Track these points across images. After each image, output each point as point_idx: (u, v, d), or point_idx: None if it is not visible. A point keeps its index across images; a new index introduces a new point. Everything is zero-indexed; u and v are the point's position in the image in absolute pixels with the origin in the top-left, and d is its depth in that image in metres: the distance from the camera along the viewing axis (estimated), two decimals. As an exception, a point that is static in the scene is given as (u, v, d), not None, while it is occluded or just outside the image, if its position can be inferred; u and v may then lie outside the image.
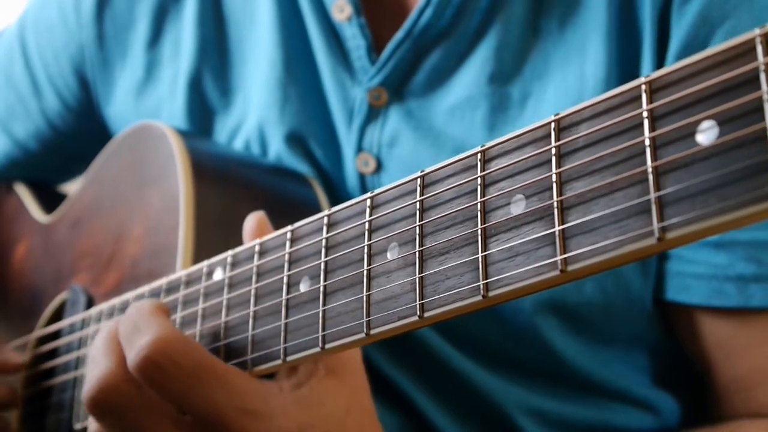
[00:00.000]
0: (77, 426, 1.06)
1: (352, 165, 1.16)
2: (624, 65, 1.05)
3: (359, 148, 1.15)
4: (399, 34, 1.12)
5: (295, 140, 1.19)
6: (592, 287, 1.08)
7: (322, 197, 1.14)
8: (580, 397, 1.15)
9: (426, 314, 0.68)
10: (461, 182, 0.68)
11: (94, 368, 0.85)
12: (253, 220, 0.90)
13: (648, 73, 1.02)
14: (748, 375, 1.09)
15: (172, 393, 0.80)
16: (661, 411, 1.17)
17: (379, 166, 1.15)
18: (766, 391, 1.08)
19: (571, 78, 1.07)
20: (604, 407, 1.16)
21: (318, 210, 1.11)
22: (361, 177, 1.15)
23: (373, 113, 1.15)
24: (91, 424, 0.88)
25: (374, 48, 1.16)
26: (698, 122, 0.54)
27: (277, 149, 1.19)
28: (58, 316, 1.24)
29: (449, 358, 1.13)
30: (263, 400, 0.81)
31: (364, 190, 1.14)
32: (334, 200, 1.15)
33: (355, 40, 1.16)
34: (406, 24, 1.12)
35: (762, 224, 1.01)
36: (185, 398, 0.80)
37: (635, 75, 1.04)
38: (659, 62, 1.03)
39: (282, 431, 0.81)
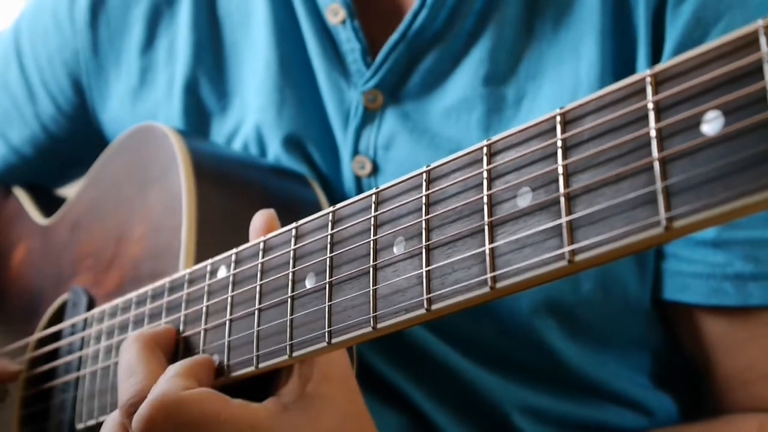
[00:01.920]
0: (79, 426, 1.06)
1: (348, 168, 1.17)
2: (618, 65, 1.06)
3: (355, 151, 1.16)
4: (394, 37, 1.13)
5: (293, 143, 1.19)
6: (590, 288, 1.09)
7: (322, 197, 1.15)
8: (576, 396, 1.16)
9: (433, 307, 0.69)
10: (467, 176, 0.69)
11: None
12: (261, 217, 0.89)
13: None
14: (747, 371, 1.10)
15: None
16: (655, 413, 1.18)
17: (375, 169, 1.15)
18: (763, 387, 1.09)
19: (566, 78, 1.08)
20: (600, 407, 1.16)
21: (318, 210, 1.11)
22: (358, 180, 1.16)
23: (369, 116, 1.16)
24: None
25: (369, 51, 1.16)
26: (703, 113, 0.55)
27: (276, 152, 1.20)
28: (58, 317, 1.24)
29: (446, 358, 1.14)
30: (270, 427, 0.81)
31: (360, 193, 1.15)
32: (333, 203, 1.15)
33: (349, 43, 1.16)
34: (401, 26, 1.13)
35: (760, 222, 1.03)
36: None
37: (630, 75, 1.05)
38: (654, 62, 1.04)
39: None
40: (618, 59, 1.06)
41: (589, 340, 1.13)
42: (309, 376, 0.84)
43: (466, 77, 1.12)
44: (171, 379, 0.82)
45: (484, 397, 1.14)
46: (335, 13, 1.17)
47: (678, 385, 1.19)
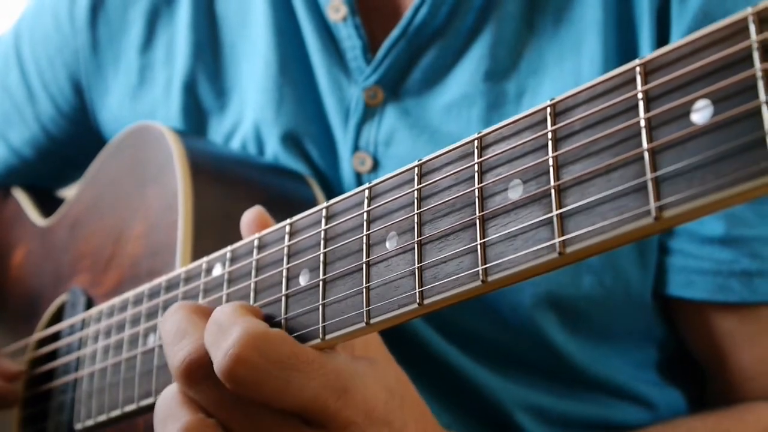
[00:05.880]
0: (78, 426, 1.06)
1: (348, 164, 1.16)
2: (622, 61, 1.05)
3: (356, 147, 1.16)
4: (394, 33, 1.13)
5: (291, 140, 1.19)
6: (591, 282, 1.09)
7: (319, 195, 1.14)
8: (578, 393, 1.16)
9: (426, 301, 0.68)
10: (459, 169, 0.68)
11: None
12: (250, 214, 0.88)
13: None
14: (759, 363, 1.10)
15: (269, 390, 0.74)
16: (658, 406, 1.17)
17: (376, 165, 1.15)
18: None
19: (567, 74, 1.07)
20: (603, 403, 1.16)
21: (315, 208, 1.11)
22: (358, 176, 1.16)
23: (369, 112, 1.15)
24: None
25: (369, 47, 1.16)
26: (693, 101, 0.55)
27: (274, 149, 1.19)
28: (57, 318, 1.24)
29: (447, 355, 1.13)
30: (351, 375, 0.76)
31: (361, 190, 1.15)
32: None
33: (350, 40, 1.16)
34: (402, 23, 1.13)
35: (767, 221, 1.02)
36: (283, 392, 0.74)
37: None
38: None
39: (375, 399, 0.77)
40: (621, 55, 1.06)
41: (591, 334, 1.13)
42: (351, 349, 0.81)
43: (467, 73, 1.11)
44: (245, 317, 0.76)
45: (486, 395, 1.14)
46: (336, 10, 1.17)
47: (687, 377, 1.19)
